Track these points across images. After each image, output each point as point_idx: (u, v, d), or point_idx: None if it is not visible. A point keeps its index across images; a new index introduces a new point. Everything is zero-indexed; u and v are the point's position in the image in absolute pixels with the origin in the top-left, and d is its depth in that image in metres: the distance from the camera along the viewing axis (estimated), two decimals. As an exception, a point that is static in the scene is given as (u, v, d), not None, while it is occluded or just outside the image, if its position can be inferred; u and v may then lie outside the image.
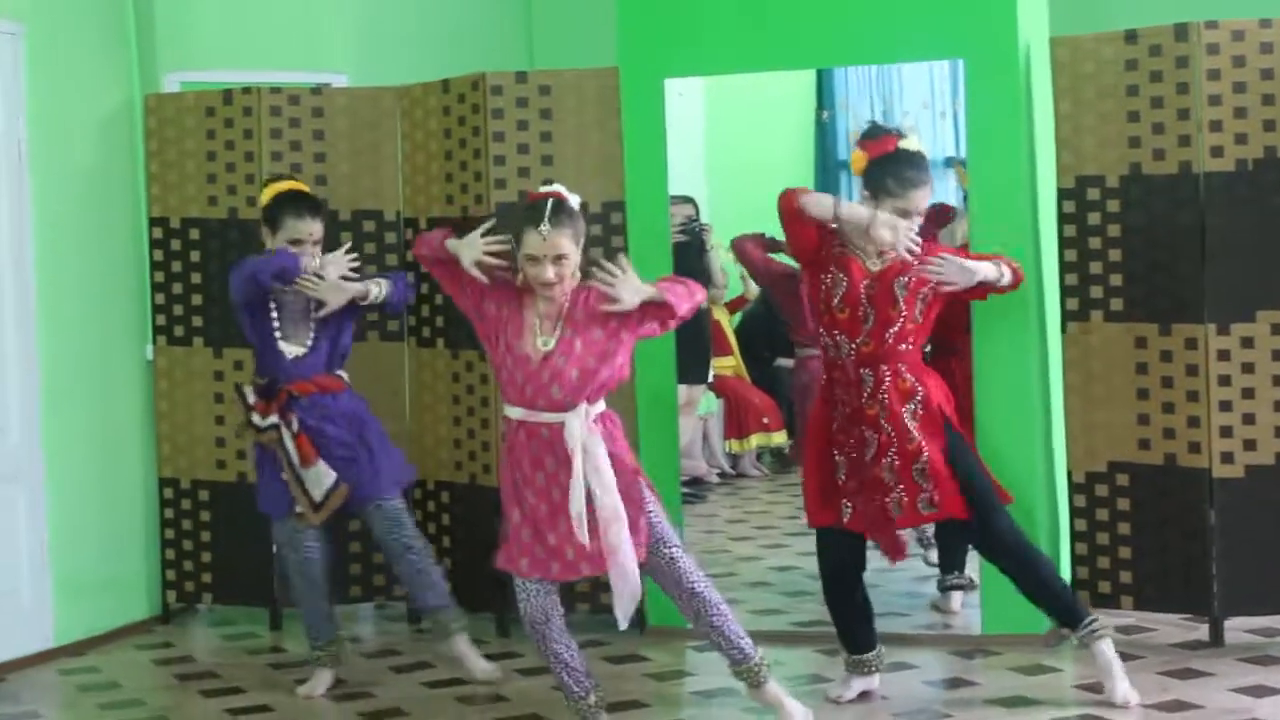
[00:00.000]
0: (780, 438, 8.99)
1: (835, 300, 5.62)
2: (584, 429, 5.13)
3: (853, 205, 5.61)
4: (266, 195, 6.21)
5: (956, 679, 6.03)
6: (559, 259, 5.14)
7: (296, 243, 6.09)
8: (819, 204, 5.58)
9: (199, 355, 7.23)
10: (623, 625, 5.27)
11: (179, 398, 7.28)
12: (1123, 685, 5.59)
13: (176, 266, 7.24)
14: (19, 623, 6.73)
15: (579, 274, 5.22)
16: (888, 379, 5.57)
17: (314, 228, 6.14)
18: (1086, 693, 5.75)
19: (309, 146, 7.10)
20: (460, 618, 6.29)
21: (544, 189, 5.29)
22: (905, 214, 5.60)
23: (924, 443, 5.54)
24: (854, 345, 5.61)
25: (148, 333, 7.34)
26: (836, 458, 5.67)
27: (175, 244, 7.24)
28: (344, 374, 6.23)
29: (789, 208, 5.58)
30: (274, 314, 6.12)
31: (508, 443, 5.26)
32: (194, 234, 7.20)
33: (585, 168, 6.73)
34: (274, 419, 6.06)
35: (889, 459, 5.56)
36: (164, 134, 7.23)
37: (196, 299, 7.22)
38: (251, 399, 6.12)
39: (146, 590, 7.36)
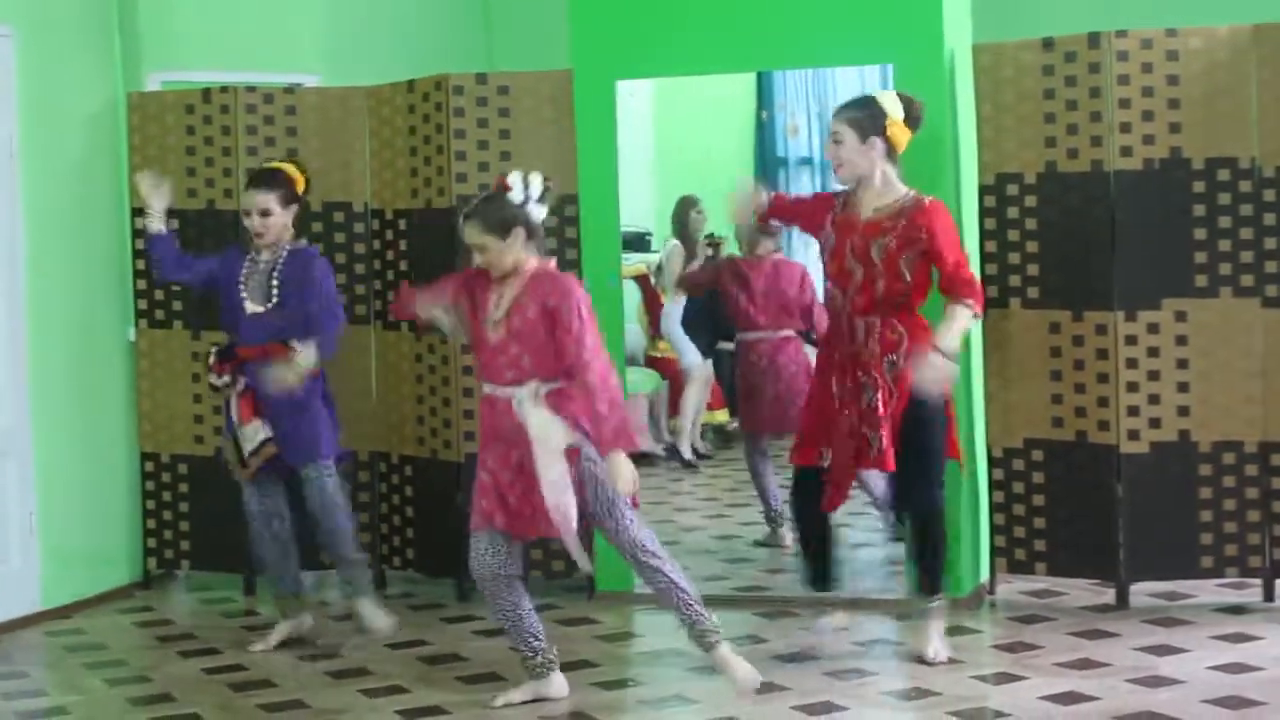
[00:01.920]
0: (722, 416, 9.17)
1: (825, 254, 5.95)
2: (533, 404, 5.43)
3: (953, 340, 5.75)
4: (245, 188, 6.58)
5: (879, 639, 6.31)
6: (480, 250, 5.47)
7: (246, 213, 6.41)
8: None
9: (178, 337, 7.41)
10: (585, 567, 5.68)
11: (159, 377, 7.46)
12: (935, 644, 5.95)
13: (157, 254, 7.47)
14: (9, 587, 6.88)
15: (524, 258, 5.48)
16: (877, 330, 5.78)
17: (257, 199, 6.35)
18: (1003, 652, 6.02)
19: (282, 142, 7.26)
20: (367, 576, 6.59)
21: (504, 178, 5.55)
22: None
23: (886, 392, 5.76)
24: (846, 297, 5.84)
25: (130, 316, 7.50)
26: (835, 399, 5.84)
27: None
28: (297, 344, 6.29)
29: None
30: (242, 279, 6.40)
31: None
32: (174, 224, 7.25)
33: (541, 163, 6.68)
34: (227, 378, 6.35)
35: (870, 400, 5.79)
36: (146, 130, 7.39)
37: (175, 284, 7.32)
38: (212, 359, 6.41)
39: (128, 557, 7.52)
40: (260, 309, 6.35)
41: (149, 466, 7.54)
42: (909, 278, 5.79)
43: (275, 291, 6.35)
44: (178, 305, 7.43)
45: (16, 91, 6.97)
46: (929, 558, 5.99)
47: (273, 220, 6.36)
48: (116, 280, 7.53)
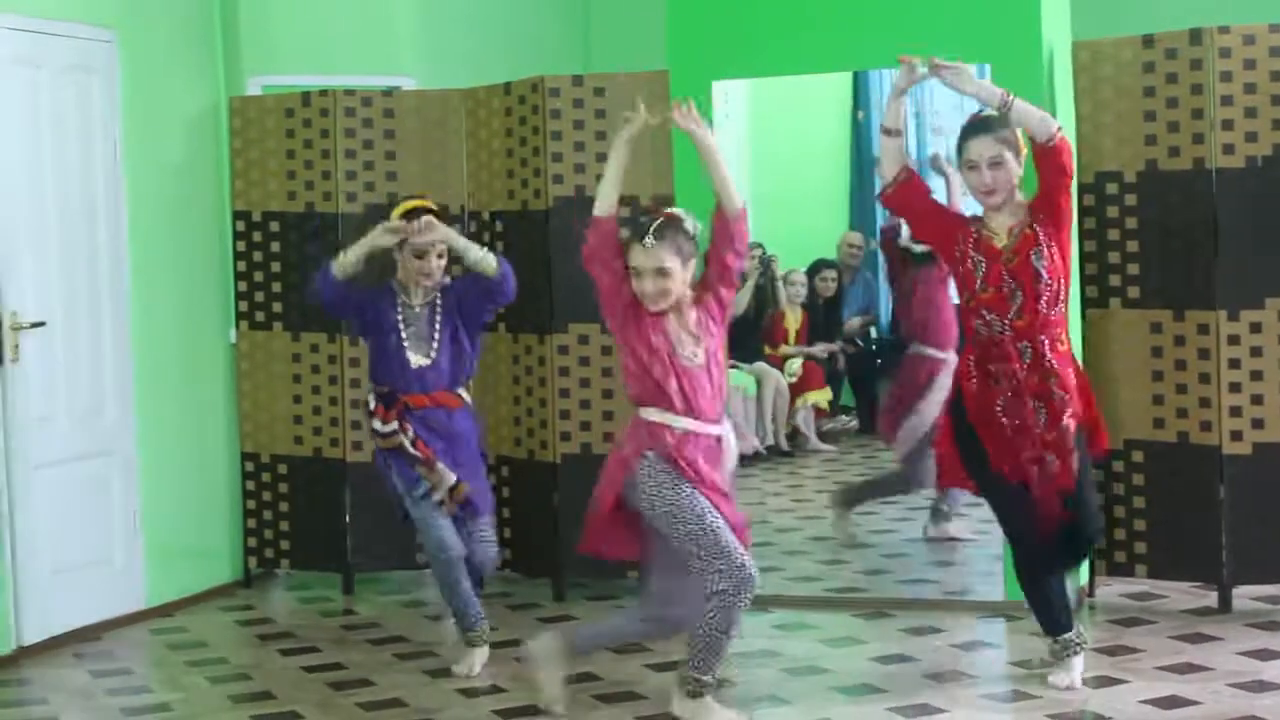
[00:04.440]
0: (818, 396, 9.30)
1: (977, 283, 5.56)
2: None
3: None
4: (395, 213, 6.15)
5: (979, 641, 6.29)
6: (661, 275, 5.21)
7: (421, 255, 6.08)
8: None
9: (278, 339, 7.50)
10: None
11: (260, 378, 7.55)
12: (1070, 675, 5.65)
13: (258, 256, 7.50)
14: (114, 585, 7.00)
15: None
16: (1046, 349, 5.51)
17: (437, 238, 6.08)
18: (1103, 656, 5.95)
19: (380, 145, 7.34)
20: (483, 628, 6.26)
21: (656, 206, 5.41)
22: (971, 165, 5.59)
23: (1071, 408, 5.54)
24: (1006, 321, 5.53)
25: (231, 318, 7.60)
26: (1005, 427, 5.56)
27: (257, 236, 7.50)
28: (464, 393, 6.22)
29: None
30: (402, 326, 6.10)
31: (672, 456, 5.24)
32: (274, 226, 7.47)
33: (637, 165, 6.74)
34: (394, 425, 6.06)
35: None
36: (247, 133, 7.49)
37: (276, 287, 7.48)
38: (373, 404, 6.12)
39: (229, 556, 7.62)
40: (426, 361, 6.10)
41: (249, 467, 7.63)
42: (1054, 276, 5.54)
43: (437, 339, 6.12)
44: (278, 307, 7.52)
45: (120, 96, 7.08)
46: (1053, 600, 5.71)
47: (444, 263, 6.14)
48: (218, 282, 7.62)
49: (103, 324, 7.01)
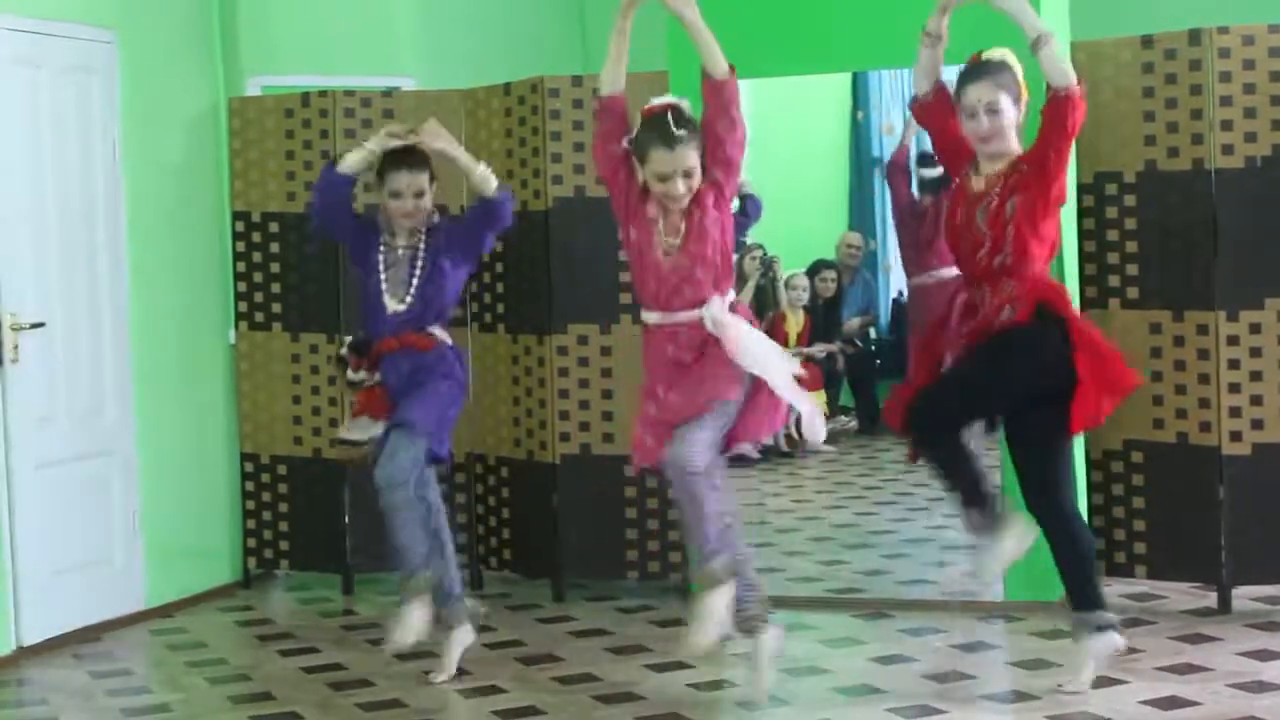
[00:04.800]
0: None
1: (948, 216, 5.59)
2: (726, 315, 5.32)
3: None
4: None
5: (979, 642, 6.28)
6: (687, 174, 5.22)
7: (395, 194, 5.95)
8: None
9: (278, 339, 7.50)
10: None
11: (259, 379, 7.55)
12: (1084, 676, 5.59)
13: (257, 257, 7.51)
14: (113, 586, 7.00)
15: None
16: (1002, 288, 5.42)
17: (413, 179, 5.95)
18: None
19: None
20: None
21: (658, 101, 5.32)
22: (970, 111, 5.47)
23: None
24: (977, 261, 5.46)
25: (231, 318, 7.60)
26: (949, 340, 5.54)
27: (256, 236, 7.50)
28: (438, 331, 6.03)
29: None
30: (382, 269, 5.98)
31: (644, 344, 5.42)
32: (273, 227, 7.47)
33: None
34: (363, 374, 6.00)
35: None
36: (246, 134, 7.49)
37: (276, 287, 7.48)
38: (346, 354, 6.07)
39: (229, 557, 7.62)
40: (401, 307, 5.97)
41: (249, 467, 7.63)
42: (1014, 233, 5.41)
43: (414, 285, 5.96)
44: (277, 308, 7.53)
45: (120, 96, 7.09)
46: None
47: (425, 201, 5.99)
48: (217, 283, 7.63)
49: (102, 324, 7.02)
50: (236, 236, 7.57)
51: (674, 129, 5.22)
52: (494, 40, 8.63)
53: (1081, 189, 6.60)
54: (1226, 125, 6.34)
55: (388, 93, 7.50)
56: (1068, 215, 6.56)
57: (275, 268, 7.51)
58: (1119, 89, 6.52)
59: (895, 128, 8.85)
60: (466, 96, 7.37)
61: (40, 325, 6.65)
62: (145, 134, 7.20)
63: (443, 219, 6.14)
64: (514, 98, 7.17)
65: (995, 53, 5.61)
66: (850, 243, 9.62)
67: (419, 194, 5.97)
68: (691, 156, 5.25)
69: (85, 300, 6.94)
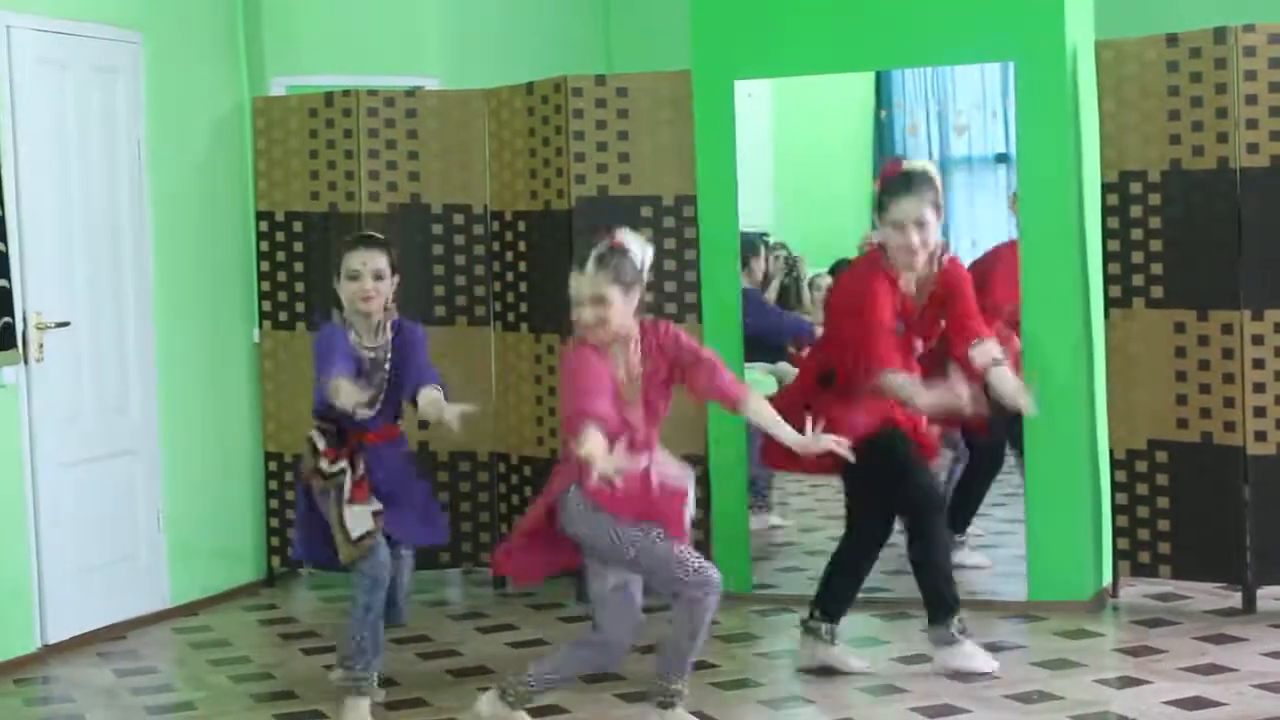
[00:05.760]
0: None
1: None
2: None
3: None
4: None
5: (1002, 641, 6.24)
6: (598, 302, 5.03)
7: (353, 276, 5.62)
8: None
9: (301, 339, 7.48)
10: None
11: (283, 378, 7.56)
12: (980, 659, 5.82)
13: (281, 256, 7.53)
14: (137, 584, 7.03)
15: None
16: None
17: (371, 258, 5.64)
18: (1127, 657, 5.96)
19: (403, 145, 7.35)
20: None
21: (616, 236, 5.10)
22: (897, 225, 5.69)
23: None
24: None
25: (254, 317, 7.61)
26: None
27: (280, 236, 7.52)
28: (400, 421, 5.84)
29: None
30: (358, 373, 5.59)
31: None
32: (297, 226, 7.49)
33: (660, 164, 6.96)
34: (343, 464, 5.61)
35: None
36: (270, 134, 7.51)
37: (299, 286, 7.50)
38: (322, 445, 5.64)
39: (253, 555, 7.64)
40: (370, 414, 5.63)
41: (272, 466, 7.64)
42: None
43: (385, 387, 5.67)
44: (301, 307, 7.55)
45: (145, 96, 7.12)
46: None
47: (384, 285, 5.64)
48: (241, 282, 7.65)
49: (127, 324, 7.04)
50: (260, 236, 7.58)
51: (593, 256, 5.05)
52: (517, 40, 8.66)
53: (1106, 188, 6.59)
54: (1252, 124, 6.33)
55: (411, 92, 7.52)
56: (1092, 214, 6.65)
57: (299, 267, 7.52)
58: (1144, 87, 6.51)
59: (919, 127, 8.82)
60: (489, 96, 7.38)
61: (65, 324, 6.67)
62: (170, 134, 7.23)
63: (407, 324, 5.80)
64: (537, 97, 7.19)
65: (918, 164, 5.84)
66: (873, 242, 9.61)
67: (378, 276, 5.64)
68: (605, 286, 5.04)
69: (110, 300, 6.96)
